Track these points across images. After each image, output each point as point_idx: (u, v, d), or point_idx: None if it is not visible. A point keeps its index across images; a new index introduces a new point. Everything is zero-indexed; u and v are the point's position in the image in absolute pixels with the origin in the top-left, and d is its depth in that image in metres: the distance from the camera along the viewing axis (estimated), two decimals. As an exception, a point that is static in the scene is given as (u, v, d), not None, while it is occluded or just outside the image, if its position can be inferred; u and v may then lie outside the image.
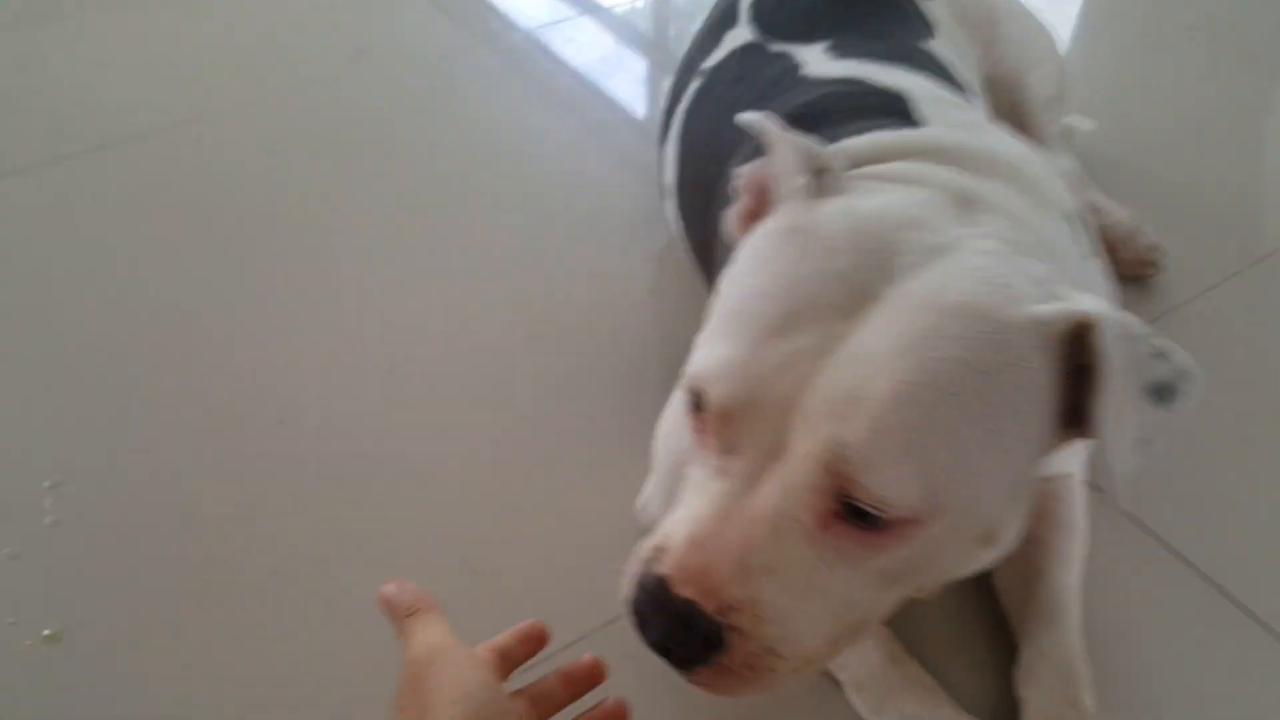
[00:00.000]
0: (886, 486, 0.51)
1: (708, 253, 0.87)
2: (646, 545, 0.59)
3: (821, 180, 0.59)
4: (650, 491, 0.84)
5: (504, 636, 0.65)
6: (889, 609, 0.60)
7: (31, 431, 0.97)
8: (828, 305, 0.53)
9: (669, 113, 1.04)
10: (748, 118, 0.62)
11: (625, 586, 0.58)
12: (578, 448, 0.97)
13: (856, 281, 0.53)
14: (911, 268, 0.54)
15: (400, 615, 0.62)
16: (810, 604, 0.55)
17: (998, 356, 0.51)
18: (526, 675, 0.65)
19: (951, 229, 0.56)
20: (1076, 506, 0.82)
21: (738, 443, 0.54)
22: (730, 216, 0.65)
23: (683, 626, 0.54)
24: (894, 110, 0.75)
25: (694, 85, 0.99)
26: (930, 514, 0.52)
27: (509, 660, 0.64)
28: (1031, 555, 0.79)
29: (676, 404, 0.80)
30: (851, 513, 0.52)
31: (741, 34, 0.96)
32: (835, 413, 0.51)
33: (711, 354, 0.56)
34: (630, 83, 1.56)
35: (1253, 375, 1.05)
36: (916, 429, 0.50)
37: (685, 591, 0.54)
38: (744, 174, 0.63)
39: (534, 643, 0.66)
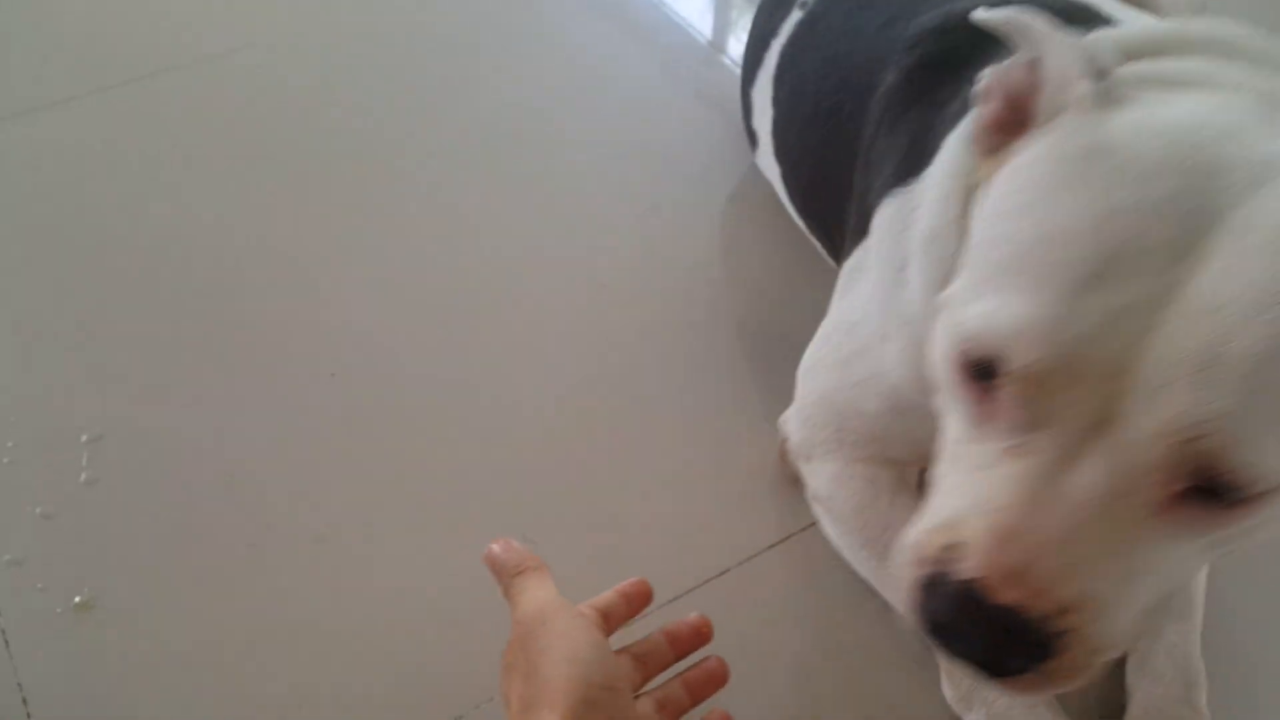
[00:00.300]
0: (1260, 463, 0.42)
1: (824, 191, 0.80)
2: (925, 541, 0.51)
3: (1104, 88, 0.49)
4: (794, 423, 0.79)
5: (607, 595, 0.64)
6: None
7: (69, 382, 0.90)
8: (1154, 244, 0.44)
9: (759, 50, 0.94)
10: (988, 14, 0.53)
11: (909, 591, 0.51)
12: (647, 403, 0.89)
13: (1184, 211, 0.44)
14: (1244, 190, 0.44)
15: (507, 575, 0.62)
16: (1138, 589, 0.48)
17: None
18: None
19: (1274, 138, 0.47)
20: None
21: (1047, 416, 0.46)
22: (974, 127, 0.56)
23: (1006, 637, 0.47)
24: (1080, 17, 0.63)
25: (794, 17, 0.89)
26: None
27: (612, 619, 0.62)
28: None
29: (844, 337, 0.74)
30: (1200, 491, 0.44)
31: None
32: (1189, 378, 0.42)
33: (1003, 311, 0.47)
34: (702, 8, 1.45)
35: None
36: (1269, 391, 0.42)
37: (1007, 596, 0.46)
38: (989, 77, 0.54)
39: (638, 601, 0.64)
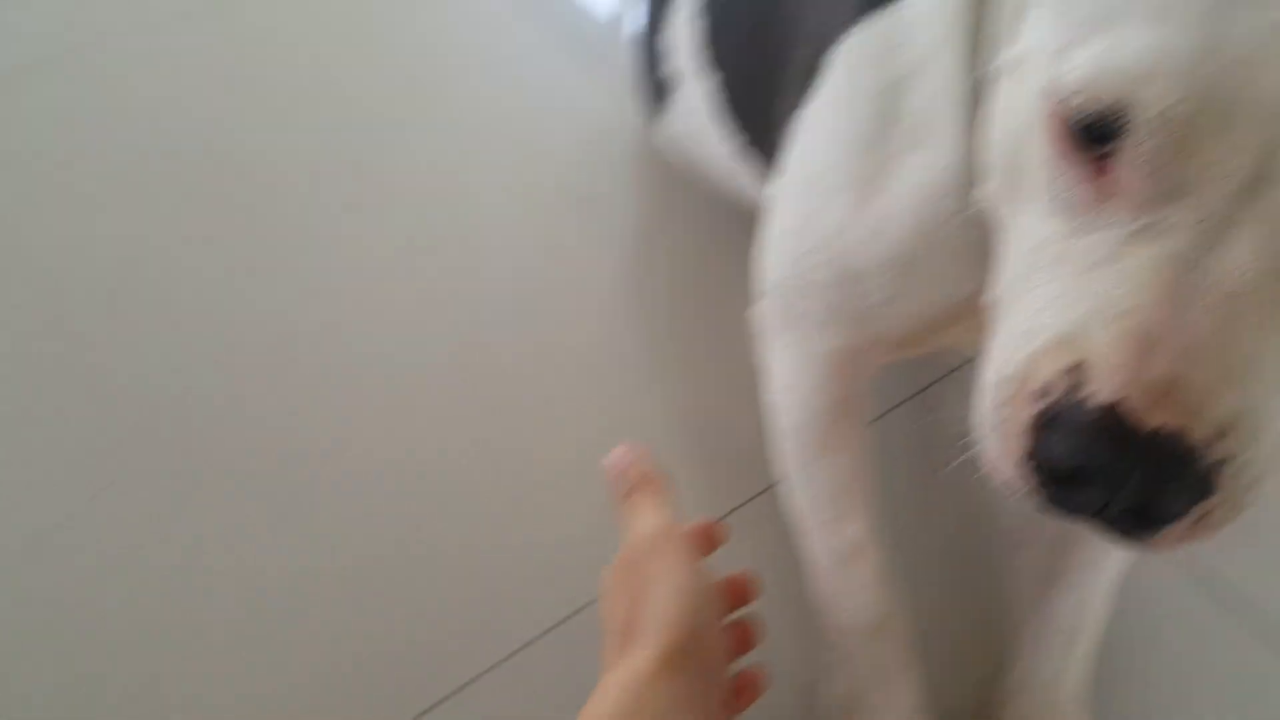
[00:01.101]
0: None
1: (771, 69, 0.73)
2: (1031, 367, 0.41)
3: None
4: (756, 310, 0.75)
5: (695, 524, 0.62)
6: None
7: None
8: None
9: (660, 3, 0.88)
10: None
11: (1017, 439, 0.42)
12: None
13: None
14: None
15: (624, 489, 0.61)
16: None
17: None
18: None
19: None
20: None
21: (1187, 182, 0.37)
22: None
23: (1164, 472, 0.38)
24: None
25: None
26: None
27: (702, 551, 0.61)
28: (1071, 545, 0.68)
29: (796, 201, 0.66)
30: None
31: None
32: None
33: (1127, 46, 0.37)
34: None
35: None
36: None
37: (1159, 419, 0.37)
38: None
39: (714, 541, 0.63)
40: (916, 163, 0.56)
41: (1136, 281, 0.38)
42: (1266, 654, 0.74)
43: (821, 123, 0.63)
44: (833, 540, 0.69)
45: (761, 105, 0.74)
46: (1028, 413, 0.41)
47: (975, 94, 0.51)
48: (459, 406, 0.88)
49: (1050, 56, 0.41)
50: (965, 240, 0.54)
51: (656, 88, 0.93)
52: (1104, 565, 0.68)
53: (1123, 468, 0.38)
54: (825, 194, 0.62)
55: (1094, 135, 0.39)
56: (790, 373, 0.72)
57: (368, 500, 0.82)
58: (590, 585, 0.60)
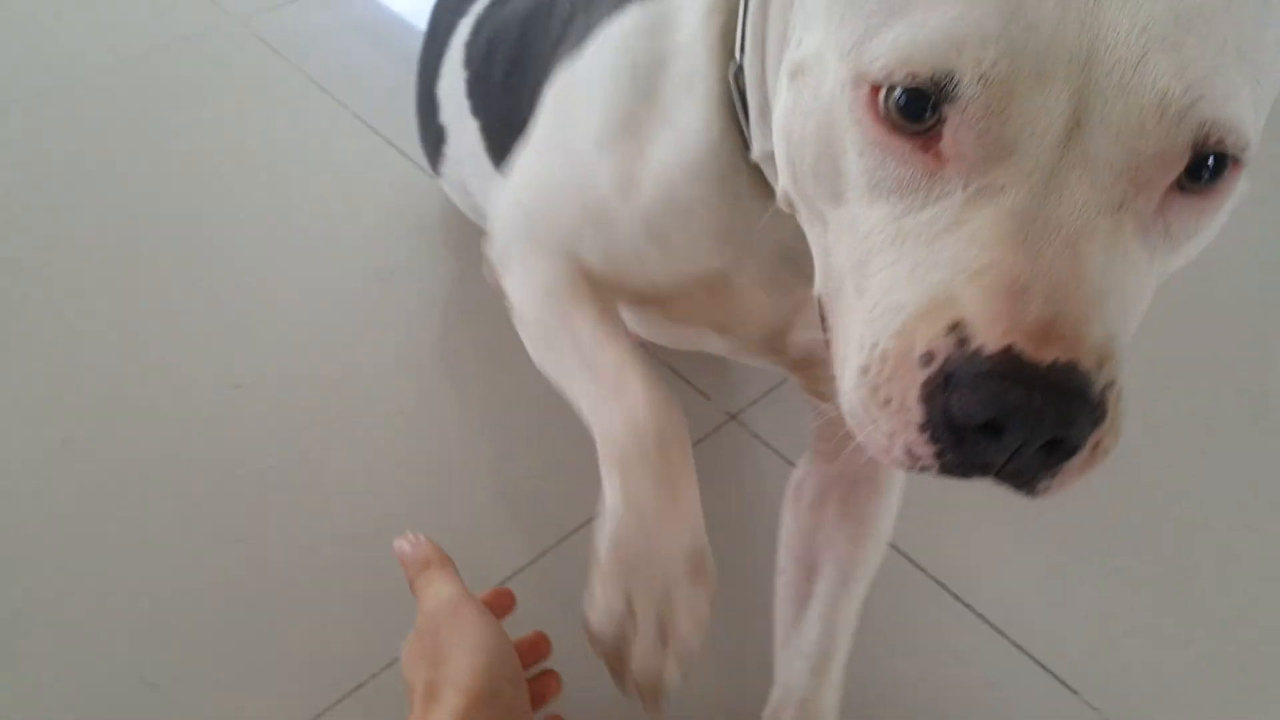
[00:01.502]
0: (1244, 116, 0.39)
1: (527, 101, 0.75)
2: (907, 336, 0.41)
3: None
4: (492, 238, 0.73)
5: (489, 592, 0.69)
6: None
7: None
8: None
9: (441, 42, 0.92)
10: None
11: (912, 410, 0.41)
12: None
13: None
14: None
15: (415, 569, 0.65)
16: (1134, 322, 0.43)
17: None
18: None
19: None
20: (898, 488, 0.74)
21: (1013, 137, 0.39)
22: None
23: (1070, 402, 0.38)
24: None
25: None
26: (1255, 148, 0.41)
27: (496, 614, 0.65)
28: (823, 561, 0.72)
29: (550, 156, 0.68)
30: (1187, 175, 0.40)
31: None
32: (1161, 44, 0.38)
33: (934, 19, 0.39)
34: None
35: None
36: (1246, 33, 0.39)
37: (1051, 354, 0.38)
38: None
39: (506, 605, 0.69)
40: (667, 139, 0.59)
41: (986, 239, 0.39)
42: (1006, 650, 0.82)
43: (582, 83, 0.65)
44: (587, 316, 0.65)
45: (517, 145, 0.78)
46: (917, 381, 0.40)
47: (729, 86, 0.56)
48: (267, 480, 0.87)
49: (847, 50, 0.42)
50: (711, 217, 0.58)
51: (435, 137, 0.95)
52: (851, 588, 0.72)
53: (1035, 406, 0.38)
54: (583, 146, 0.63)
55: (912, 114, 0.40)
56: (529, 279, 0.69)
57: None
58: (391, 648, 0.62)
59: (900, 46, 0.39)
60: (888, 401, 0.42)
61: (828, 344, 0.49)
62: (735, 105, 0.56)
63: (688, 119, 0.58)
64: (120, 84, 1.23)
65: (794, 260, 0.60)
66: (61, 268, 1.02)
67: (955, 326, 0.39)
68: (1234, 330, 1.13)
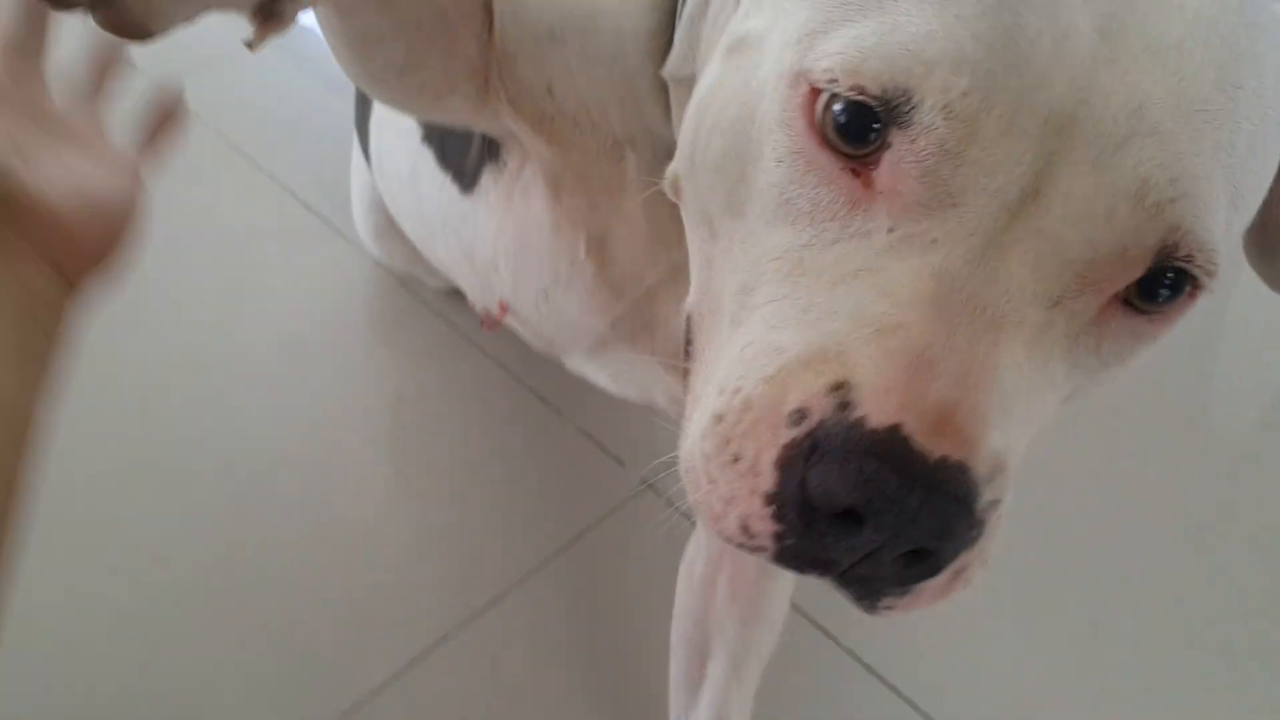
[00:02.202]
0: (1218, 233, 0.34)
1: None
2: (777, 387, 0.34)
3: None
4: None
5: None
6: None
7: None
8: None
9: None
10: None
11: (764, 476, 0.34)
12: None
13: None
14: None
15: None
16: (1029, 434, 0.37)
17: None
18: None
19: None
20: (787, 586, 0.71)
21: (961, 188, 0.33)
22: None
23: (950, 509, 0.33)
24: None
25: None
26: (1214, 283, 0.36)
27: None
28: (714, 645, 0.69)
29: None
30: (1139, 291, 0.36)
31: None
32: (1161, 127, 0.32)
33: (906, 27, 0.33)
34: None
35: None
36: (1238, 147, 0.34)
37: (942, 447, 0.32)
38: None
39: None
40: None
41: (900, 295, 0.34)
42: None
43: None
44: None
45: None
46: (778, 441, 0.34)
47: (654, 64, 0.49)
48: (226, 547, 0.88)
49: (796, 38, 0.36)
50: (616, 66, 0.52)
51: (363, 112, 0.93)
52: (743, 675, 0.70)
53: (911, 505, 0.32)
54: None
55: (851, 132, 0.34)
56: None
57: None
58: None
59: (856, 50, 0.33)
60: (736, 459, 0.35)
61: (685, 375, 0.43)
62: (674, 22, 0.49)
63: None
64: None
65: (678, 220, 0.52)
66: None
67: (840, 387, 0.33)
68: (1157, 392, 1.09)
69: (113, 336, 1.01)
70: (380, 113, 0.85)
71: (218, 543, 0.87)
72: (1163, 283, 0.35)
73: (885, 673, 0.83)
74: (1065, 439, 0.99)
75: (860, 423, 0.32)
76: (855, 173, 0.35)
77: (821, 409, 0.33)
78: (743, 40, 0.39)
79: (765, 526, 0.34)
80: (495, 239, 0.68)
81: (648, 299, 0.61)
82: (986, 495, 0.33)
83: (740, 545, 0.36)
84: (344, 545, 0.88)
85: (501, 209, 0.66)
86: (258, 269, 1.11)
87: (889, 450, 0.32)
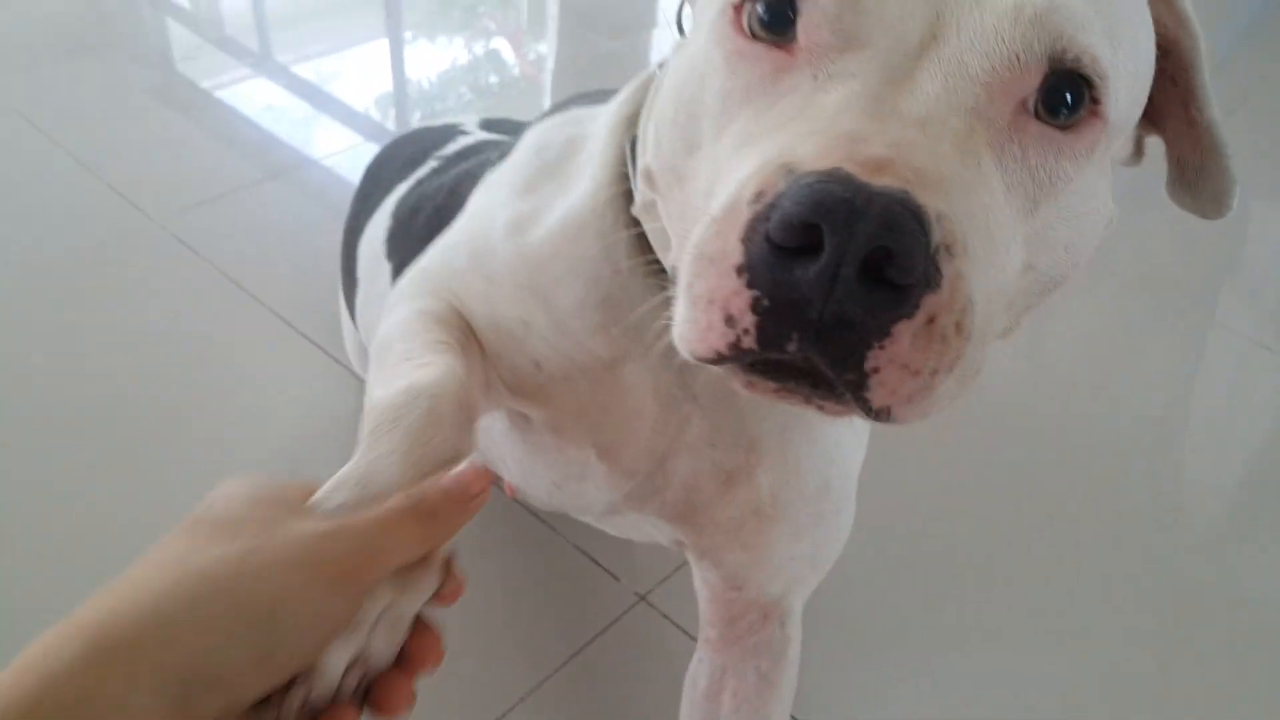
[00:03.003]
0: (1101, 48, 0.41)
1: None
2: (741, 188, 0.38)
3: None
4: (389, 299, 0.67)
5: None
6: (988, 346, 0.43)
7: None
8: None
9: (374, 195, 0.95)
10: None
11: (735, 243, 0.38)
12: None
13: None
14: None
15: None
16: (990, 255, 0.40)
17: None
18: None
19: None
20: (791, 682, 0.72)
21: (868, 28, 0.40)
22: None
23: (906, 222, 0.35)
24: None
25: (427, 166, 0.91)
26: (1111, 112, 0.43)
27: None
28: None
29: (457, 235, 0.66)
30: (1044, 104, 0.42)
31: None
32: None
33: None
34: None
35: None
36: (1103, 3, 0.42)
37: (882, 179, 0.36)
38: None
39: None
40: (561, 199, 0.60)
41: (833, 113, 0.39)
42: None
43: (499, 173, 0.66)
44: (409, 339, 0.59)
45: None
46: (741, 221, 0.38)
47: (624, 155, 0.57)
48: None
49: None
50: (594, 280, 0.57)
51: (350, 287, 0.98)
52: None
53: (857, 202, 0.35)
54: (486, 214, 0.64)
55: (772, 22, 0.42)
56: (402, 310, 0.63)
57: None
58: None
59: None
60: (712, 260, 0.38)
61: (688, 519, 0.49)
62: (629, 171, 0.56)
63: (582, 182, 0.59)
64: (40, 287, 1.26)
65: (681, 373, 0.59)
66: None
67: (789, 166, 0.37)
68: (1125, 483, 1.13)
69: (116, 458, 1.05)
70: (367, 293, 0.91)
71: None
72: (1063, 97, 0.42)
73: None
74: (1042, 539, 1.04)
75: (808, 173, 0.36)
76: (778, 47, 0.42)
77: (773, 183, 0.37)
78: (678, 45, 0.49)
79: (740, 299, 0.37)
80: (501, 445, 0.72)
81: (659, 467, 0.65)
82: (935, 229, 0.36)
83: (730, 349, 0.38)
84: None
85: (504, 431, 0.70)
86: (252, 391, 1.14)
87: (831, 175, 0.36)
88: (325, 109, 1.68)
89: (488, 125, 1.03)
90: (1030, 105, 0.42)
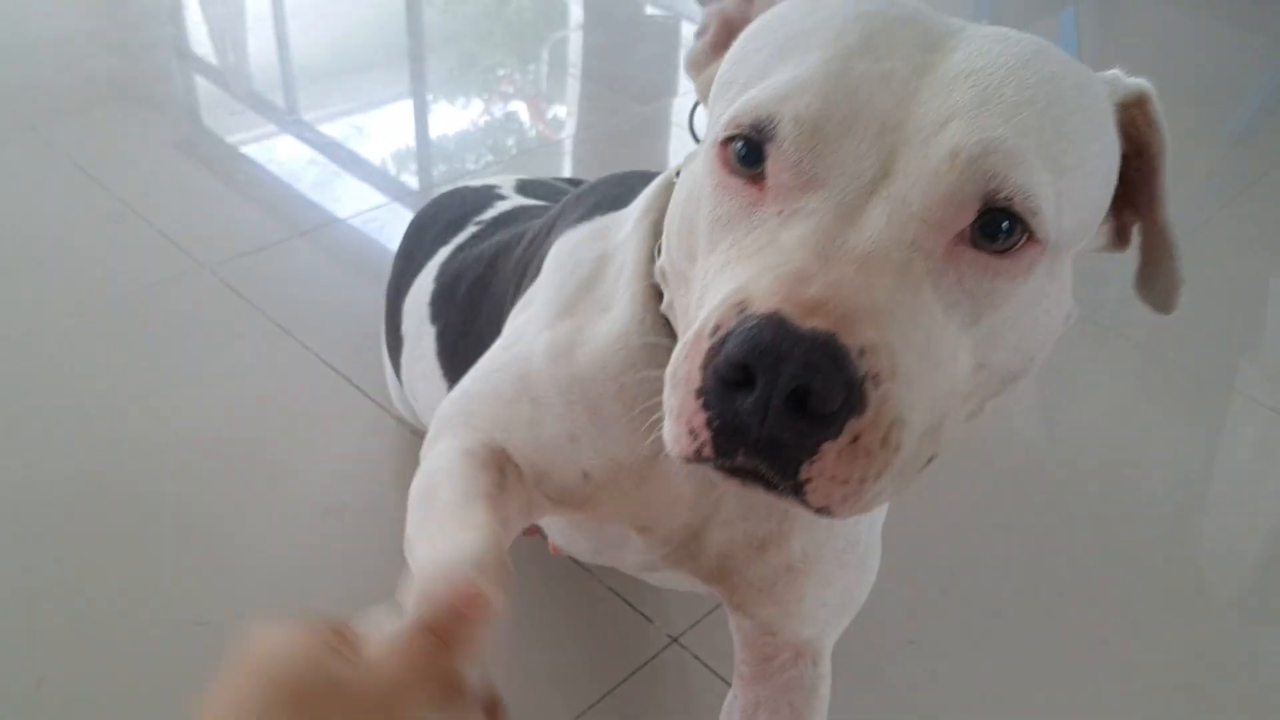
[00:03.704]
0: (1035, 185, 0.46)
1: (483, 318, 0.84)
2: (703, 325, 0.47)
3: None
4: (434, 419, 0.71)
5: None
6: (948, 437, 0.50)
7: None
8: (906, 35, 0.49)
9: (419, 255, 1.00)
10: None
11: (696, 376, 0.46)
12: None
13: (924, 25, 0.50)
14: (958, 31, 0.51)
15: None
16: (928, 371, 0.46)
17: (1094, 88, 0.52)
18: None
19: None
20: (823, 717, 0.75)
21: (825, 174, 0.47)
22: (694, 54, 0.62)
23: (823, 362, 0.42)
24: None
25: (468, 231, 0.97)
26: (1050, 237, 0.48)
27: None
28: None
29: (498, 352, 0.71)
30: (981, 233, 0.47)
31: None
32: (965, 114, 0.46)
33: (776, 78, 0.48)
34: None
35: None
36: (1046, 132, 0.47)
37: (812, 322, 0.43)
38: (706, 11, 0.60)
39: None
40: (602, 319, 0.65)
41: (789, 250, 0.46)
42: None
43: (535, 294, 0.71)
44: (460, 491, 0.62)
45: (472, 350, 0.80)
46: (702, 350, 0.46)
47: (650, 271, 0.62)
48: None
49: (715, 121, 0.51)
50: (638, 391, 0.61)
51: (395, 346, 1.02)
52: None
53: (782, 348, 0.42)
54: (527, 338, 0.68)
55: (748, 158, 0.48)
56: (444, 446, 0.67)
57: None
58: None
59: (742, 105, 0.49)
60: (680, 381, 0.47)
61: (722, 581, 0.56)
62: (657, 276, 0.62)
63: (620, 303, 0.64)
64: (89, 330, 1.30)
65: None
66: (28, 508, 1.07)
67: (741, 304, 0.45)
68: (1146, 561, 1.16)
69: (171, 502, 1.08)
70: (411, 352, 0.96)
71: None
72: (999, 226, 0.47)
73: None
74: (1059, 611, 1.06)
75: (752, 315, 0.44)
76: (753, 183, 0.49)
77: (728, 320, 0.45)
78: (690, 158, 0.57)
79: (699, 418, 0.46)
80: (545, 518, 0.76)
81: (694, 537, 0.70)
82: (859, 364, 0.43)
83: (695, 455, 0.46)
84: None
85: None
86: (302, 438, 1.18)
87: (767, 322, 0.43)
88: (349, 167, 1.73)
89: (523, 188, 1.09)
90: (968, 236, 0.47)
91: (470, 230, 0.97)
